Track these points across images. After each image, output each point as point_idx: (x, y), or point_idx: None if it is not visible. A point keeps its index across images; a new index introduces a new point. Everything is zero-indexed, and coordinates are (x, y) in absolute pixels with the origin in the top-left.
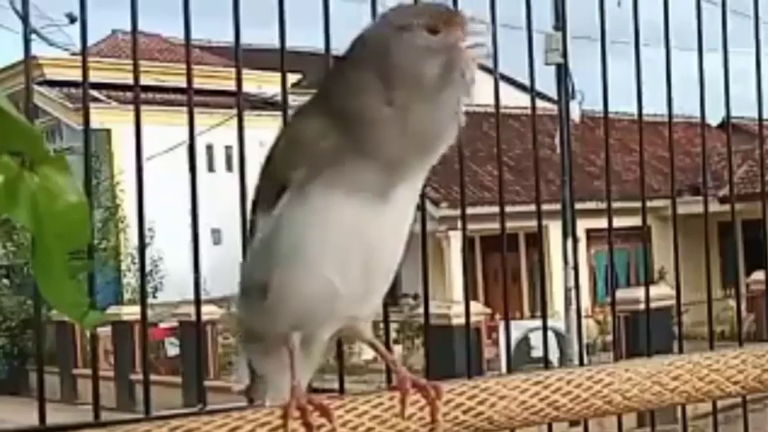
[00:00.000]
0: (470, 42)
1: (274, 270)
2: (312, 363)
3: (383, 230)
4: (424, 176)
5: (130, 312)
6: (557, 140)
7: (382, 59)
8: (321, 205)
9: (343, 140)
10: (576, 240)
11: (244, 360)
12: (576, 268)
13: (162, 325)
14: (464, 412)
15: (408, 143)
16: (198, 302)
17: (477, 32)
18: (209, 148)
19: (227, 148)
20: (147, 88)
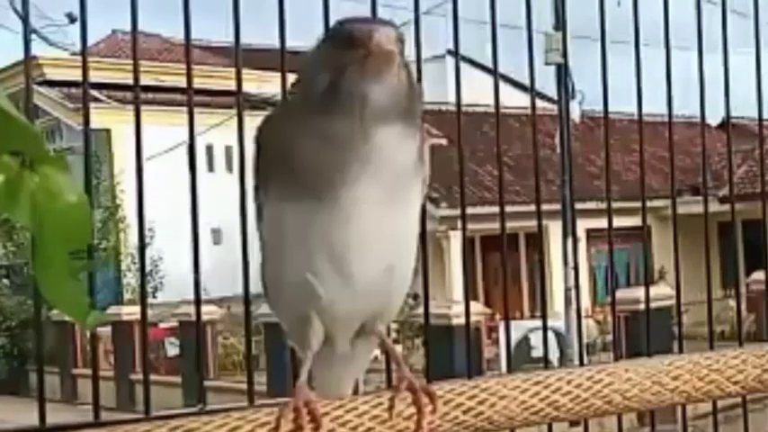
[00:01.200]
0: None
1: (264, 267)
2: (345, 363)
3: (348, 234)
4: (409, 176)
5: (130, 312)
6: (557, 140)
7: (302, 76)
8: (275, 213)
9: (287, 155)
10: (576, 240)
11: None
12: (576, 268)
13: (162, 325)
14: (464, 412)
15: (331, 159)
16: (198, 302)
17: (377, 44)
18: (209, 148)
19: (228, 148)
20: (147, 88)
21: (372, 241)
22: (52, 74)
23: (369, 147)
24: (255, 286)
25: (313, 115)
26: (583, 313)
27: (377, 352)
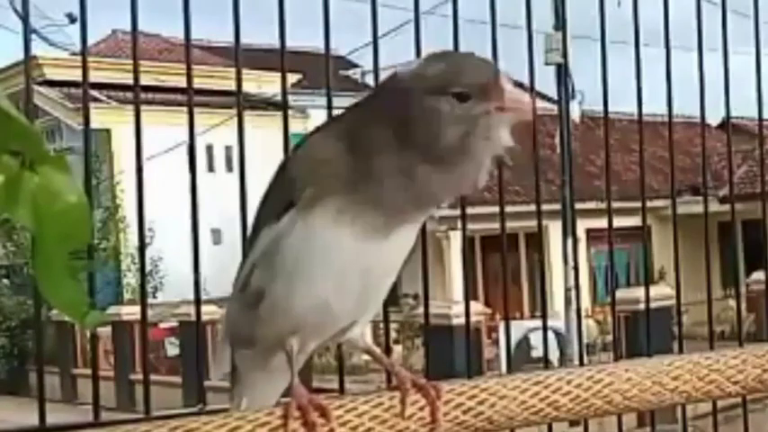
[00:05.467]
0: (506, 105)
1: (272, 280)
2: (284, 374)
3: (382, 260)
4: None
5: (130, 312)
6: (557, 140)
7: (402, 120)
8: (323, 231)
9: (353, 179)
10: (576, 240)
11: (226, 352)
12: (576, 268)
13: (162, 325)
14: (464, 412)
15: (410, 200)
16: (198, 302)
17: (513, 96)
18: (209, 148)
19: (227, 148)
20: (147, 88)
21: (392, 270)
22: (52, 74)
23: (436, 192)
24: None
25: (404, 156)
26: (583, 313)
27: None
